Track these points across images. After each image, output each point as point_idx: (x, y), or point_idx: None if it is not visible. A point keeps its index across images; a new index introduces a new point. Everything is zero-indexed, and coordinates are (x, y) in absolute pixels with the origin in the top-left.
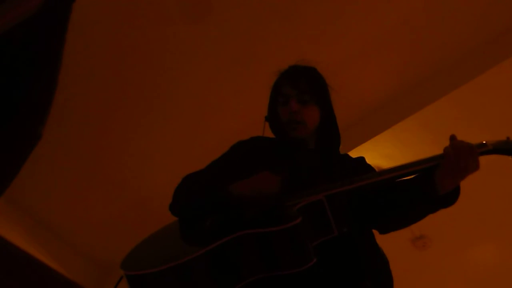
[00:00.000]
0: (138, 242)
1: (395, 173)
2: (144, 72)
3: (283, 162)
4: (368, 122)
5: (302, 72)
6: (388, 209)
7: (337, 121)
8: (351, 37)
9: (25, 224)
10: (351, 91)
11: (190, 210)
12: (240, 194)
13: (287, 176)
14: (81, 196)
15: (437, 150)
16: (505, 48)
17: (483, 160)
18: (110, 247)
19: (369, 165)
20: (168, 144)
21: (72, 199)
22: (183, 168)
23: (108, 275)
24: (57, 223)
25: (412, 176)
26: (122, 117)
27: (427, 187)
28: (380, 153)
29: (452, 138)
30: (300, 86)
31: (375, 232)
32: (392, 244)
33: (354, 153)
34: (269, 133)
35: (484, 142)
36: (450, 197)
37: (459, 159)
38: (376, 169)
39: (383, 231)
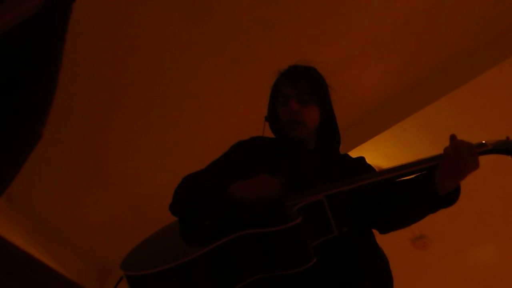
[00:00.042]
0: (138, 242)
1: (395, 173)
2: (144, 72)
3: (283, 162)
4: (368, 122)
5: (302, 72)
6: (388, 209)
7: (337, 121)
8: (351, 37)
9: (25, 224)
10: (351, 91)
11: (190, 210)
12: (240, 196)
13: (286, 180)
14: (81, 196)
15: (437, 150)
16: (505, 48)
17: (483, 160)
18: (110, 247)
19: (369, 165)
20: (168, 144)
21: (72, 199)
22: (183, 168)
23: (108, 275)
24: (57, 223)
25: (412, 176)
26: (122, 117)
27: (427, 187)
28: (380, 153)
29: (452, 137)
30: (300, 86)
31: (375, 232)
32: (392, 244)
33: (354, 153)
34: (269, 133)
35: (484, 142)
36: (450, 197)
37: (459, 158)
38: (376, 169)
39: (383, 231)
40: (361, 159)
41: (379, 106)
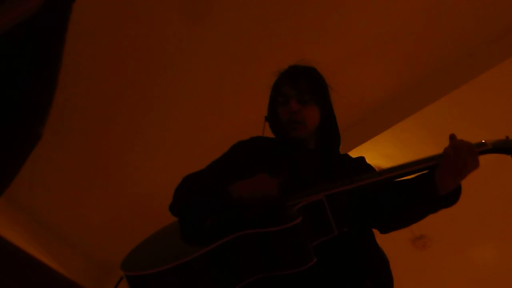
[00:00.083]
0: (138, 242)
1: (395, 172)
2: (144, 72)
3: (283, 162)
4: (368, 122)
5: (302, 72)
6: (388, 209)
7: (337, 121)
8: (351, 37)
9: (25, 224)
10: (351, 91)
11: (190, 210)
12: (240, 196)
13: (285, 179)
14: (81, 196)
15: (437, 150)
16: (505, 48)
17: (483, 160)
18: (110, 247)
19: (369, 165)
20: (168, 144)
21: (72, 199)
22: (183, 168)
23: (108, 275)
24: (57, 223)
25: (413, 176)
26: (122, 117)
27: (428, 187)
28: (380, 153)
29: (452, 137)
30: (300, 86)
31: (375, 232)
32: (392, 244)
33: (354, 153)
34: (269, 133)
35: (484, 141)
36: (451, 197)
37: (458, 158)
38: (376, 169)
39: (384, 230)
40: (361, 159)
41: (379, 106)
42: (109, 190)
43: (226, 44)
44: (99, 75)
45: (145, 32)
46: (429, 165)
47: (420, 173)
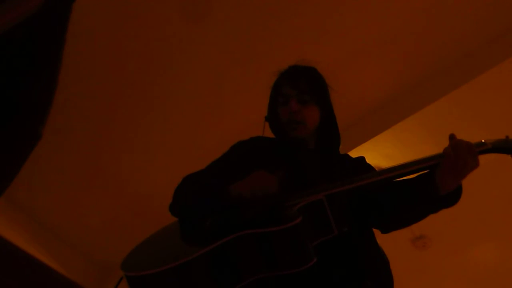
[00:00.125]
0: (138, 242)
1: (395, 172)
2: (144, 72)
3: (283, 162)
4: (368, 122)
5: (302, 72)
6: (389, 208)
7: (337, 121)
8: (351, 37)
9: (25, 224)
10: (351, 91)
11: (190, 210)
12: (240, 195)
13: (283, 175)
14: (81, 196)
15: (437, 150)
16: (505, 48)
17: (483, 160)
18: (110, 247)
19: (369, 165)
20: (168, 144)
21: (72, 199)
22: (183, 168)
23: (108, 276)
24: (57, 223)
25: (413, 176)
26: (122, 117)
27: (428, 187)
28: (380, 153)
29: (451, 137)
30: (300, 86)
31: (375, 231)
32: (392, 244)
33: (354, 153)
34: (269, 133)
35: (483, 141)
36: (451, 197)
37: (458, 158)
38: (376, 169)
39: (384, 230)
40: (361, 159)
41: (379, 106)
42: (109, 190)
43: (226, 44)
44: (99, 75)
45: (145, 32)
46: (429, 165)
47: (420, 173)
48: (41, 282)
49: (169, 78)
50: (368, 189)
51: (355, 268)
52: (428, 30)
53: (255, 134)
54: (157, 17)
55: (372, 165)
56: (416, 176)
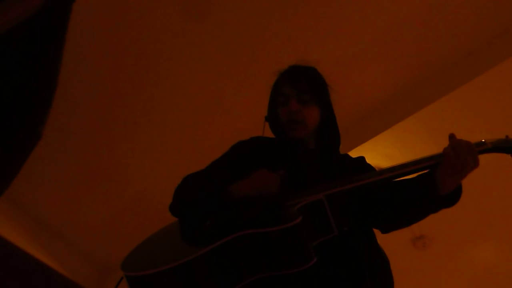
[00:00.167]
0: (138, 242)
1: (395, 172)
2: (144, 71)
3: (283, 162)
4: (368, 122)
5: (302, 72)
6: (389, 208)
7: (337, 121)
8: (351, 37)
9: (25, 224)
10: (351, 91)
11: (190, 210)
12: (241, 194)
13: (285, 174)
14: (81, 196)
15: (437, 150)
16: (505, 48)
17: (483, 160)
18: (110, 247)
19: (369, 165)
20: (168, 144)
21: (72, 199)
22: (183, 168)
23: (108, 276)
24: (57, 223)
25: (413, 176)
26: (122, 117)
27: (428, 187)
28: (380, 153)
29: (451, 137)
30: (300, 86)
31: (376, 231)
32: (392, 244)
33: (354, 153)
34: (269, 133)
35: (483, 140)
36: (451, 197)
37: (458, 157)
38: (376, 169)
39: (384, 230)
40: (361, 159)
41: (379, 106)
42: (109, 190)
43: (226, 44)
44: (99, 75)
45: (145, 31)
46: (429, 164)
47: (420, 173)
48: (41, 282)
49: (169, 78)
50: (368, 189)
51: (355, 268)
52: (428, 30)
53: (255, 134)
54: (157, 17)
55: (372, 165)
56: (416, 176)
